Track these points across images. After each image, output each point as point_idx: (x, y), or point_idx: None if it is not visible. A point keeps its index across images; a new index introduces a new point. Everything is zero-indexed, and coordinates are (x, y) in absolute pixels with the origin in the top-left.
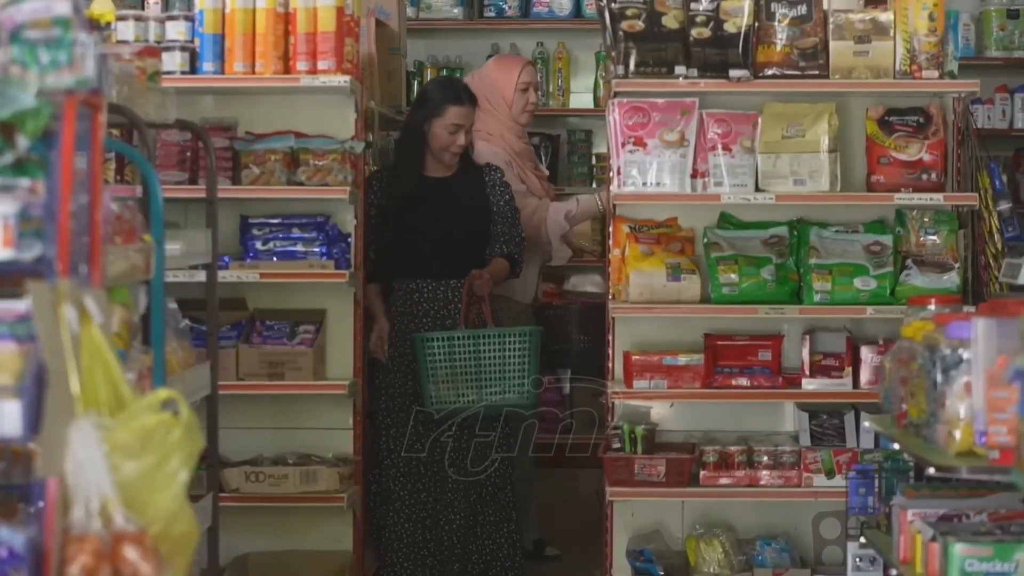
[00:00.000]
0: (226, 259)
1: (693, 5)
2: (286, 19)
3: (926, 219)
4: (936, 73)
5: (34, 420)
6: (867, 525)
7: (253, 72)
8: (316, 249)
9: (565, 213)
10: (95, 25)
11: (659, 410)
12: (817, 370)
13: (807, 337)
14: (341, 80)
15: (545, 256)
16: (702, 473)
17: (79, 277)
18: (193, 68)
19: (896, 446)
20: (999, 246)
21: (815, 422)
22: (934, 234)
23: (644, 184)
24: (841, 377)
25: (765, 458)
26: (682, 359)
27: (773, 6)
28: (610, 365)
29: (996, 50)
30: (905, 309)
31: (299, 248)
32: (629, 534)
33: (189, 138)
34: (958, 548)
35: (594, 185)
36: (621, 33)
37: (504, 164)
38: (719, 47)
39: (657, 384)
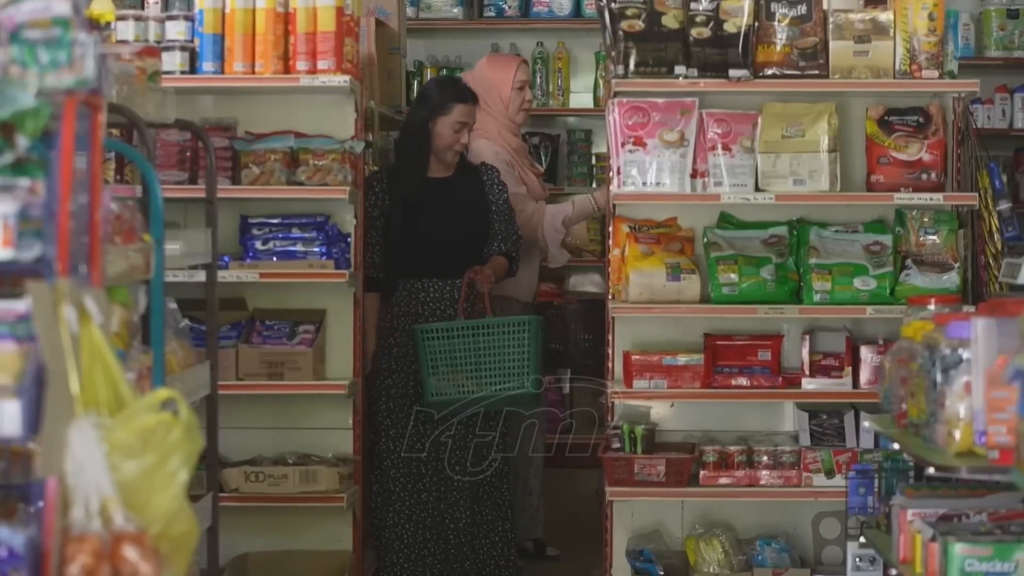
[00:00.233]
0: (226, 259)
1: (693, 5)
2: (286, 19)
3: (926, 219)
4: (936, 73)
5: (34, 420)
6: (867, 525)
7: (253, 72)
8: (316, 249)
9: (562, 219)
10: (95, 25)
11: (659, 410)
12: (817, 370)
13: (807, 337)
14: (341, 80)
15: (542, 256)
16: (702, 473)
17: (79, 277)
18: (193, 68)
19: (896, 446)
20: (999, 246)
21: (815, 422)
22: (934, 234)
23: (644, 184)
24: (841, 377)
25: (765, 458)
26: (682, 359)
27: (773, 6)
28: (610, 365)
29: (996, 50)
30: (905, 309)
31: (299, 248)
32: (629, 534)
33: (189, 138)
34: (958, 548)
35: (594, 185)
36: (621, 33)
37: (506, 163)
38: (719, 47)
39: (657, 384)
